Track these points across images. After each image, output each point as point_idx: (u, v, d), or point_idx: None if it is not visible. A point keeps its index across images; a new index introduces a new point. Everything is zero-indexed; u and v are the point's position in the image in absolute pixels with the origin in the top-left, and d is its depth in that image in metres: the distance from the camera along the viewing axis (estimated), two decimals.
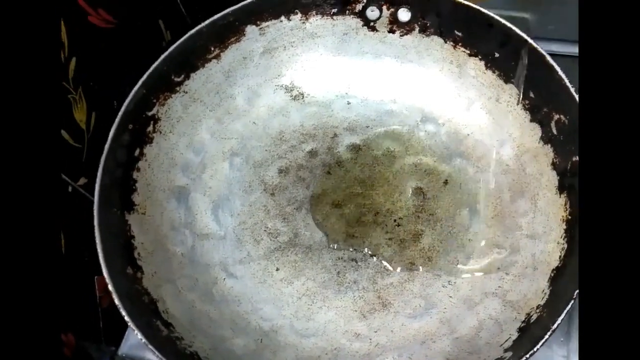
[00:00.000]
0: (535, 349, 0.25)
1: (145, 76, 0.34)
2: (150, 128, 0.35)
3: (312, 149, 0.39)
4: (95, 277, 0.40)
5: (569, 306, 0.26)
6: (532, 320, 0.28)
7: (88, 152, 0.36)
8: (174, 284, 0.32)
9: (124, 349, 0.37)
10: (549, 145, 0.34)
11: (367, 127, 0.40)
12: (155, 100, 0.35)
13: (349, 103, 0.40)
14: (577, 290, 0.26)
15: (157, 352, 0.26)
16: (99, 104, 0.37)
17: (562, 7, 0.42)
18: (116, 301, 0.27)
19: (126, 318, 0.26)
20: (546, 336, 0.26)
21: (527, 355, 0.25)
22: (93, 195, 0.38)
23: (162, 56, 0.35)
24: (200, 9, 0.47)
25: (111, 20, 0.37)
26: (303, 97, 0.40)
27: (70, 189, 0.36)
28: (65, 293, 0.37)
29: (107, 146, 0.32)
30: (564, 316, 0.26)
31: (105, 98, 0.38)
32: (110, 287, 0.27)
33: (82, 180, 0.36)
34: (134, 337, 0.37)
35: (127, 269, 0.30)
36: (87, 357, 0.41)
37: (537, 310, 0.29)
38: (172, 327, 0.30)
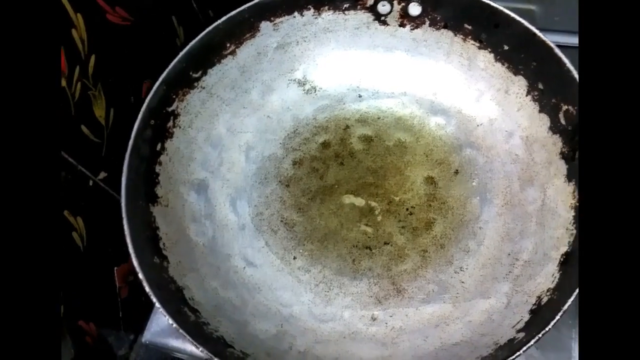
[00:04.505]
0: (547, 329, 0.27)
1: (165, 73, 0.35)
2: (170, 123, 0.36)
3: (325, 141, 0.40)
4: (115, 268, 0.41)
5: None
6: (543, 303, 0.30)
7: (107, 147, 0.38)
8: (197, 272, 0.33)
9: (147, 336, 0.38)
10: (558, 135, 0.35)
11: (379, 118, 0.41)
12: (174, 96, 0.36)
13: (360, 96, 0.41)
14: None
15: (188, 336, 0.27)
16: (116, 100, 0.38)
17: None
18: (147, 289, 0.28)
19: (157, 305, 0.27)
20: (557, 317, 0.27)
21: (540, 335, 0.27)
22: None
23: (181, 53, 0.36)
24: (210, 4, 0.48)
25: (128, 17, 0.37)
26: (315, 90, 0.41)
27: (90, 183, 0.37)
28: (87, 284, 0.38)
29: (131, 141, 0.33)
30: (574, 298, 0.27)
31: (123, 94, 0.39)
32: (140, 276, 0.28)
33: (102, 175, 0.38)
34: (156, 325, 0.38)
35: (154, 258, 0.31)
36: (107, 345, 0.43)
37: (548, 293, 0.30)
38: (199, 313, 0.31)
